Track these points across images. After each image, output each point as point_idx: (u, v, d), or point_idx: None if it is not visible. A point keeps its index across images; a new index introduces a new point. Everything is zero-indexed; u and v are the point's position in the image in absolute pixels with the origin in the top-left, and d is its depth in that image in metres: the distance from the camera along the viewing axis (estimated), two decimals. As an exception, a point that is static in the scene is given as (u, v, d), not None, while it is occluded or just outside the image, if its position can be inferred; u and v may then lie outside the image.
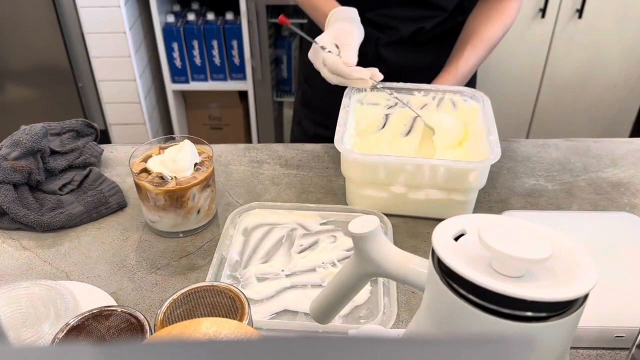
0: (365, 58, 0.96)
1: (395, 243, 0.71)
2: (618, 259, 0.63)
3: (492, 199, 0.80)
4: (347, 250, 0.70)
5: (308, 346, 0.11)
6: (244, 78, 2.04)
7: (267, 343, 0.12)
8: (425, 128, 0.83)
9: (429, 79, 0.91)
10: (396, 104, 0.84)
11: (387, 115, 0.85)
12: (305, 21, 1.06)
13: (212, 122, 2.21)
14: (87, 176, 0.80)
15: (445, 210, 0.74)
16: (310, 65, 1.05)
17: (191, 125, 2.23)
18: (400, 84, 0.84)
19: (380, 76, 0.80)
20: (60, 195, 0.77)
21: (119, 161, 0.88)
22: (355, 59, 0.78)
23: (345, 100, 0.80)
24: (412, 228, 0.74)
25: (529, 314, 0.33)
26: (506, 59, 1.86)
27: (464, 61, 0.88)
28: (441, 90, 0.84)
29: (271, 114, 2.11)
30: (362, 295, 0.63)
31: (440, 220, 0.40)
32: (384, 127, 0.84)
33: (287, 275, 0.66)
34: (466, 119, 0.83)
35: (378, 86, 0.81)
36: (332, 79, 0.79)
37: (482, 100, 0.82)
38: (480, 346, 0.11)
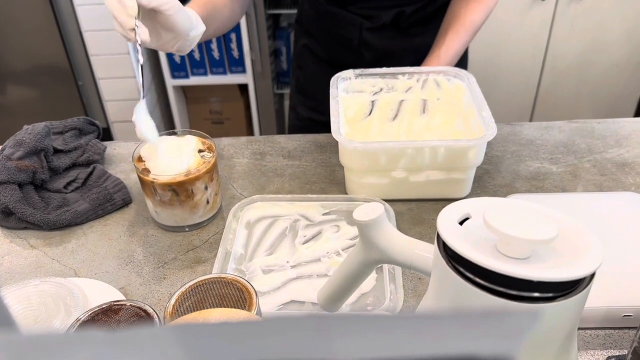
0: (351, 43, 0.97)
1: (400, 231, 0.70)
2: (624, 239, 0.63)
3: (496, 183, 0.80)
4: (351, 239, 0.70)
5: (315, 323, 0.11)
6: (243, 71, 2.04)
7: (278, 322, 0.12)
8: (412, 110, 0.83)
9: (415, 61, 0.91)
10: (381, 89, 0.85)
11: (373, 101, 0.85)
12: (295, 11, 1.06)
13: (213, 116, 2.21)
14: (91, 173, 0.80)
15: (446, 189, 0.75)
16: (302, 52, 1.06)
17: (192, 120, 2.23)
18: (384, 69, 0.85)
19: (141, 35, 0.66)
20: (65, 193, 0.78)
21: (122, 158, 0.88)
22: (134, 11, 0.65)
23: (333, 91, 0.81)
24: (417, 215, 0.74)
25: (536, 294, 0.33)
26: (507, 42, 1.85)
27: (446, 47, 0.88)
28: (425, 72, 0.85)
29: (272, 107, 2.11)
30: (368, 282, 0.64)
31: (441, 200, 0.40)
32: (371, 114, 0.85)
33: (292, 267, 0.67)
34: (452, 98, 0.83)
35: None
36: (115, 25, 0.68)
37: (467, 78, 0.83)
38: (484, 320, 0.11)
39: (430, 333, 0.12)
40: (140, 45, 0.66)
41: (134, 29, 0.65)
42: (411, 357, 0.13)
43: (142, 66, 0.68)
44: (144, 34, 0.66)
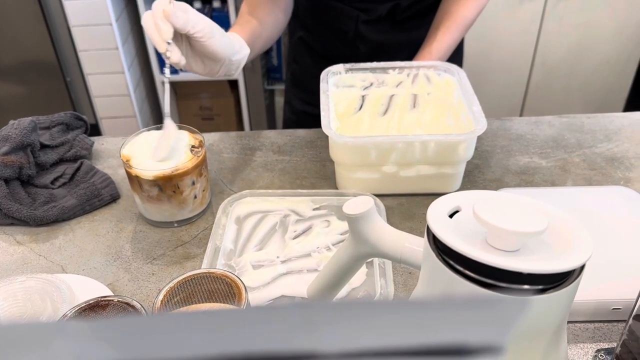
0: (346, 36, 0.96)
1: (391, 225, 0.71)
2: (614, 233, 0.63)
3: (486, 177, 0.80)
4: (341, 234, 0.70)
5: (300, 312, 0.11)
6: (234, 67, 2.02)
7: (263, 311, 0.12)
8: (402, 104, 0.83)
9: (410, 56, 0.91)
10: (371, 84, 0.85)
11: (363, 96, 0.85)
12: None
13: (203, 112, 2.20)
14: (78, 169, 0.79)
15: (436, 184, 0.75)
16: (298, 45, 1.05)
17: (182, 116, 2.21)
18: (374, 64, 0.85)
19: (171, 57, 0.67)
20: (53, 189, 0.77)
21: (110, 153, 0.87)
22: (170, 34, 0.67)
23: (323, 85, 0.80)
24: (407, 210, 0.74)
25: (526, 286, 0.33)
26: (498, 38, 1.85)
27: (437, 43, 0.88)
28: (415, 67, 0.85)
29: (262, 103, 2.10)
30: (359, 277, 0.63)
31: (432, 195, 0.40)
32: (362, 109, 0.84)
33: (282, 262, 0.66)
34: (442, 93, 0.83)
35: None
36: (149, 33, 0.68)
37: (457, 73, 0.83)
38: (473, 308, 0.11)
39: (418, 321, 0.12)
40: (169, 67, 0.69)
41: (166, 52, 0.67)
42: (399, 346, 0.12)
43: (166, 85, 0.72)
44: (175, 56, 0.67)
